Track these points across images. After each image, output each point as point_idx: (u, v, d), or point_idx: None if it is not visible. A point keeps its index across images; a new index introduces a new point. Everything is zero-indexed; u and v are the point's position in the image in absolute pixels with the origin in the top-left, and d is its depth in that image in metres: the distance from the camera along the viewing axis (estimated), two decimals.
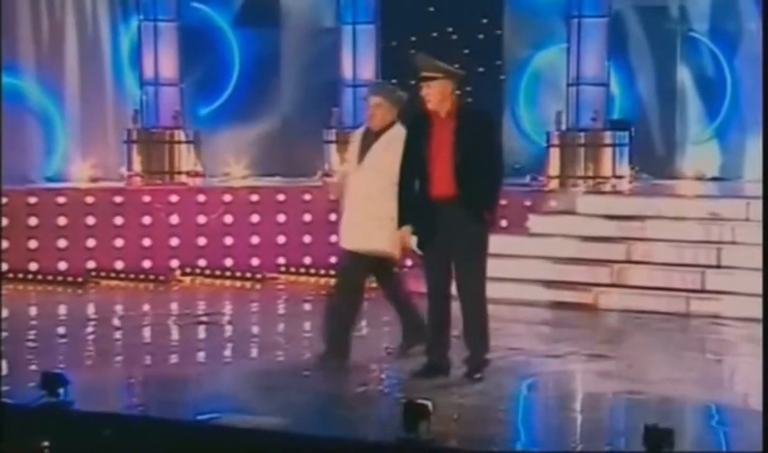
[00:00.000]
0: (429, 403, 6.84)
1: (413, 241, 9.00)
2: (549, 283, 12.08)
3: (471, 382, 8.68)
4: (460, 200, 8.77)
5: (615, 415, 8.30)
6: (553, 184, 13.80)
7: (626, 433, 7.50)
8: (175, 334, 11.09)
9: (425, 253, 9.06)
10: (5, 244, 13.47)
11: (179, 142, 14.56)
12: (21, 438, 7.25)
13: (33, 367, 9.08)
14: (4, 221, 13.50)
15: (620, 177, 13.87)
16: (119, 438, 7.05)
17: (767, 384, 7.50)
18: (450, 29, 16.26)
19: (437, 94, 8.82)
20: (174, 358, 10.02)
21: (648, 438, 6.33)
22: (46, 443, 6.79)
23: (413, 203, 8.93)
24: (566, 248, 12.44)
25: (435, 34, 16.22)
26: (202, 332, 11.05)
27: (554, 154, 13.89)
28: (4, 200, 13.51)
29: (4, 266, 13.37)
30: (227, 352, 10.28)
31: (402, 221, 8.97)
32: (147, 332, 11.12)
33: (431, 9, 16.29)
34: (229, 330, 11.23)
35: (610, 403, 8.42)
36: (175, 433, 7.31)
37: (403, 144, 9.10)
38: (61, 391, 7.61)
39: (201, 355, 10.16)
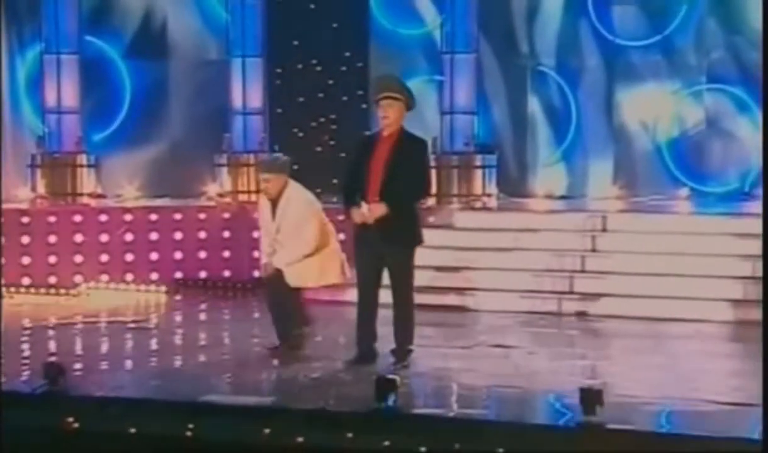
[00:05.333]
0: (397, 378, 8.29)
1: None
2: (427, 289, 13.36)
3: (400, 368, 9.94)
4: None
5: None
6: (431, 201, 15.30)
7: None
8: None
9: (357, 257, 10.37)
10: None
11: (82, 166, 15.65)
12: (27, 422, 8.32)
13: None
14: None
15: (489, 195, 15.47)
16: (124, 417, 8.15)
17: (767, 382, 8.09)
18: (314, 61, 17.51)
19: (397, 114, 10.08)
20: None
21: (583, 398, 7.89)
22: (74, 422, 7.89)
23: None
24: (445, 258, 13.93)
25: (300, 66, 17.46)
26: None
27: (431, 176, 15.37)
28: None
29: None
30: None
31: None
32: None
33: (295, 43, 17.46)
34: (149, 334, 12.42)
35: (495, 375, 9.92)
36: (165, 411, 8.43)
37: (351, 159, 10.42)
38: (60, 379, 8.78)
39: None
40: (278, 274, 10.59)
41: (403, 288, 10.24)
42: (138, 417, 7.92)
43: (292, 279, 10.57)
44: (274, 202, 10.64)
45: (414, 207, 10.33)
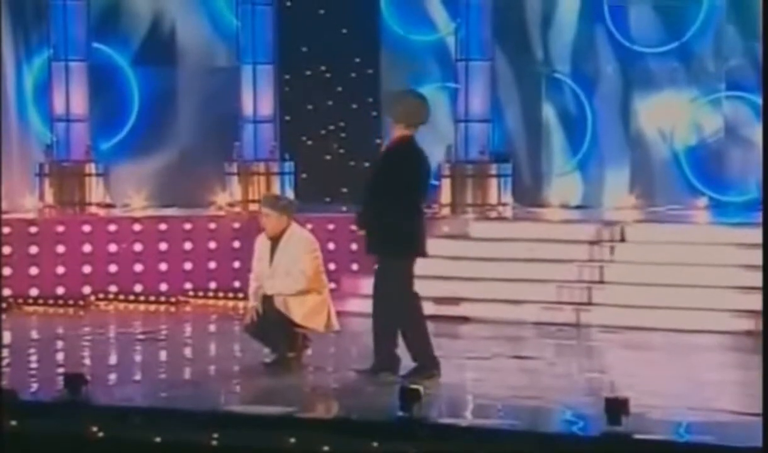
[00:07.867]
0: (421, 388, 8.11)
1: None
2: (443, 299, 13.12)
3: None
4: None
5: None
6: (445, 211, 15.11)
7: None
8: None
9: None
10: None
11: (90, 175, 15.44)
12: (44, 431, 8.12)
13: None
14: None
15: (504, 204, 15.28)
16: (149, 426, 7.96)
17: (767, 383, 8.16)
18: (323, 68, 17.30)
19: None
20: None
21: (608, 408, 7.72)
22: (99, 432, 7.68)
23: None
24: (462, 268, 13.71)
25: (309, 73, 17.24)
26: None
27: (445, 184, 15.20)
28: None
29: None
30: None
31: None
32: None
33: (304, 49, 17.25)
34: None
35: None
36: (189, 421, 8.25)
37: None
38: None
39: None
40: (269, 299, 10.41)
41: (373, 299, 9.90)
42: (163, 426, 7.76)
43: (280, 304, 10.38)
44: (275, 242, 10.46)
45: (383, 218, 9.77)
